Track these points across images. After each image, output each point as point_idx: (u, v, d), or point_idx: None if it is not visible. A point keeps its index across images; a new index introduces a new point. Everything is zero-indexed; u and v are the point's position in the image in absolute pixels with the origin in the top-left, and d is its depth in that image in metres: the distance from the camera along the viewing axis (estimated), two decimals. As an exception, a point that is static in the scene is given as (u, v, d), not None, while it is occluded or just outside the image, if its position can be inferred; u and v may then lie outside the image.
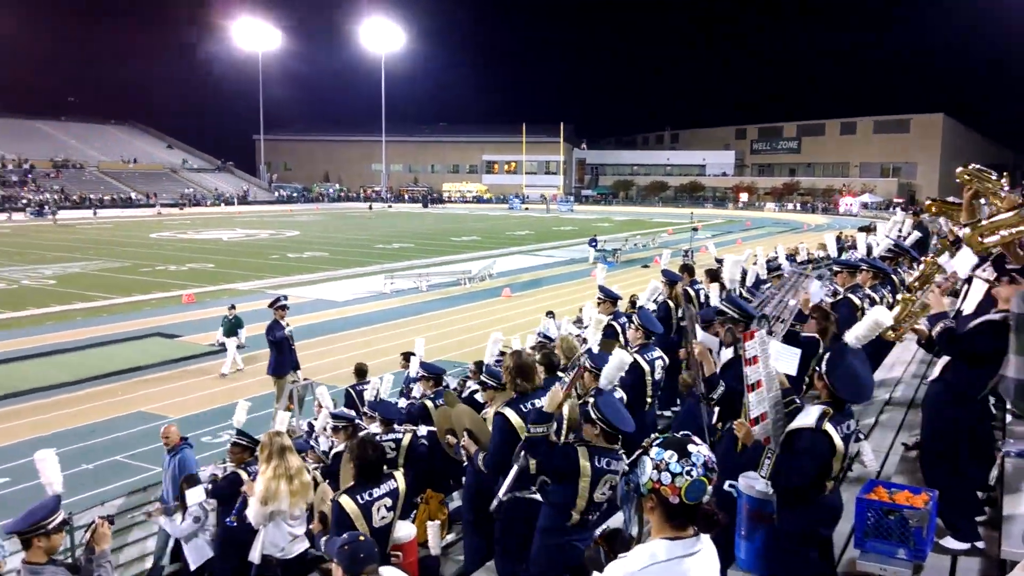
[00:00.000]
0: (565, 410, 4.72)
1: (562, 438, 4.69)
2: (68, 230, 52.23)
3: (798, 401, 4.32)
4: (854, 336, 4.23)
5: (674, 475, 2.36)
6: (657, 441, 2.47)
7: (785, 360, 4.36)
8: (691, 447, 2.41)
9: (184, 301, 25.22)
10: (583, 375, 4.37)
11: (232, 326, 17.22)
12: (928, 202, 6.52)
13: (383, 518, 4.83)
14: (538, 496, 4.57)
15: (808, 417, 3.88)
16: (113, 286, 28.11)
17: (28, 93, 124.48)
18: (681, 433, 2.51)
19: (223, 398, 14.93)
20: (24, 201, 68.04)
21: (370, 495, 4.78)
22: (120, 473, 11.54)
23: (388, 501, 4.86)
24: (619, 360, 4.96)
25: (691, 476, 2.36)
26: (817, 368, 4.13)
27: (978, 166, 4.97)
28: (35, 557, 4.06)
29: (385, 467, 5.05)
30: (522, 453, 4.30)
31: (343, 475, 5.76)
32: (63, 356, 18.25)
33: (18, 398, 15.03)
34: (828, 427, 3.79)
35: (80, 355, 18.35)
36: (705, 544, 2.43)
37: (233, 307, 17.97)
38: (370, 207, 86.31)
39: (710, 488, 2.39)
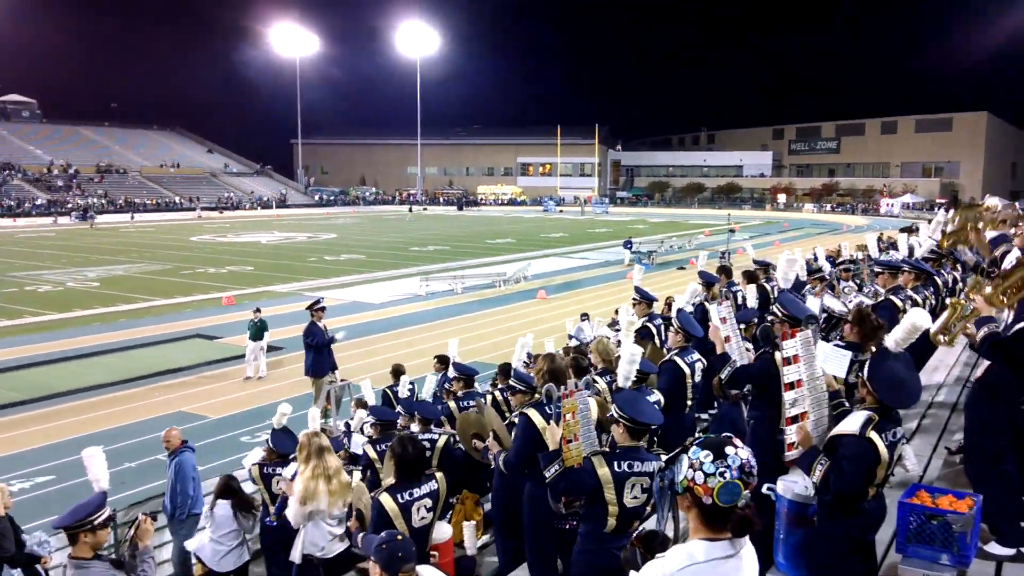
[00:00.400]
0: (594, 414, 4.67)
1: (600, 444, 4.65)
2: (112, 233, 53.30)
3: (846, 404, 4.24)
4: (893, 340, 4.13)
5: (707, 475, 2.34)
6: (698, 440, 2.46)
7: (834, 362, 4.27)
8: (728, 449, 2.37)
9: (224, 303, 25.60)
10: (573, 398, 4.27)
11: (258, 329, 17.06)
12: (939, 238, 6.51)
13: (423, 518, 4.84)
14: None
15: (852, 423, 3.79)
16: (155, 288, 28.63)
17: (73, 100, 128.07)
18: (723, 435, 2.48)
19: (261, 399, 15.15)
20: (70, 205, 69.75)
21: (410, 495, 4.79)
22: (160, 472, 11.71)
23: (428, 502, 4.87)
24: (629, 354, 4.93)
25: (724, 478, 2.32)
26: (860, 374, 4.07)
27: (964, 203, 5.13)
28: (81, 552, 4.14)
29: (427, 468, 5.08)
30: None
31: (384, 471, 5.80)
32: (107, 357, 18.64)
33: (64, 398, 15.38)
34: (872, 435, 3.70)
35: (123, 356, 18.74)
36: (745, 546, 2.40)
37: (258, 310, 17.68)
38: (410, 210, 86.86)
39: (746, 492, 2.35)
